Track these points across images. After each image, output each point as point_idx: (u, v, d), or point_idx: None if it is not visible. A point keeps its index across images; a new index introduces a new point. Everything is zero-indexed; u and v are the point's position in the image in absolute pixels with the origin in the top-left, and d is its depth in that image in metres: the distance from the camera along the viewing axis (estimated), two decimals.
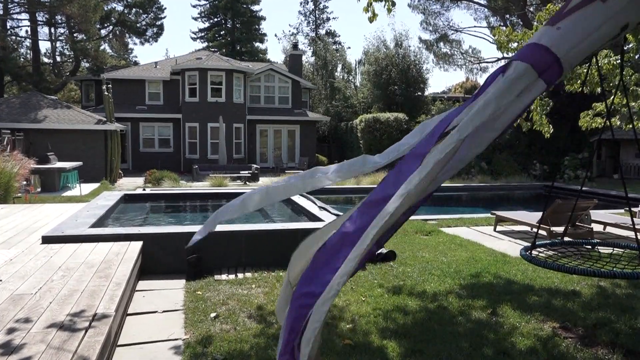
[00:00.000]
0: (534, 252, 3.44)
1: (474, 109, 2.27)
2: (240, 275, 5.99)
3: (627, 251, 3.77)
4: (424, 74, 30.60)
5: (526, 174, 21.11)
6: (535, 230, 8.85)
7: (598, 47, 2.42)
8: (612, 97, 6.00)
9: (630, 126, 6.64)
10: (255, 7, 51.59)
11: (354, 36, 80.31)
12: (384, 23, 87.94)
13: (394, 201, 2.06)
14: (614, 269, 3.06)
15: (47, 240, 6.07)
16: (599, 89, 6.58)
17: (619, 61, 6.01)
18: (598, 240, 3.94)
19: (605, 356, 3.87)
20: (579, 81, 6.54)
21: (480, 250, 7.56)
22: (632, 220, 3.26)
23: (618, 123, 7.29)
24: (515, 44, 7.09)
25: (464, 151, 2.29)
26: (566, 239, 4.38)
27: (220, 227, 6.69)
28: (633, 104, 6.58)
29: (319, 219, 7.49)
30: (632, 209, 5.93)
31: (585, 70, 6.58)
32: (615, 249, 3.74)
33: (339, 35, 65.79)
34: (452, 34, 32.66)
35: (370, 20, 6.37)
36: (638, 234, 3.38)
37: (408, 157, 2.25)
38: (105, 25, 39.24)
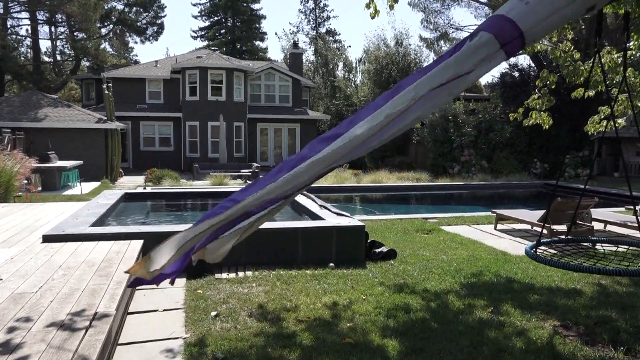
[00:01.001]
0: (538, 251, 3.43)
1: (433, 70, 2.33)
2: (240, 274, 5.98)
3: (631, 248, 3.76)
4: None
5: (526, 172, 21.10)
6: (536, 228, 8.86)
7: (562, 24, 2.49)
8: (616, 96, 5.96)
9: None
10: (255, 6, 51.58)
11: (354, 35, 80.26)
12: (385, 21, 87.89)
13: (336, 142, 2.41)
14: (619, 267, 3.05)
15: (47, 239, 6.05)
16: (601, 87, 6.55)
17: (622, 60, 5.98)
18: (602, 238, 3.93)
19: (606, 354, 3.86)
20: (581, 78, 6.50)
21: (481, 249, 7.54)
22: (637, 219, 3.24)
23: (623, 123, 7.23)
24: None
25: (419, 108, 2.36)
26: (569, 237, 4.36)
27: None
28: (639, 103, 6.54)
29: (320, 218, 7.48)
30: (636, 207, 5.91)
31: (587, 67, 6.55)
32: (619, 246, 3.73)
33: (340, 34, 65.83)
34: (452, 32, 32.55)
35: (372, 16, 6.37)
36: None
37: (365, 108, 2.47)
38: (106, 23, 39.23)
